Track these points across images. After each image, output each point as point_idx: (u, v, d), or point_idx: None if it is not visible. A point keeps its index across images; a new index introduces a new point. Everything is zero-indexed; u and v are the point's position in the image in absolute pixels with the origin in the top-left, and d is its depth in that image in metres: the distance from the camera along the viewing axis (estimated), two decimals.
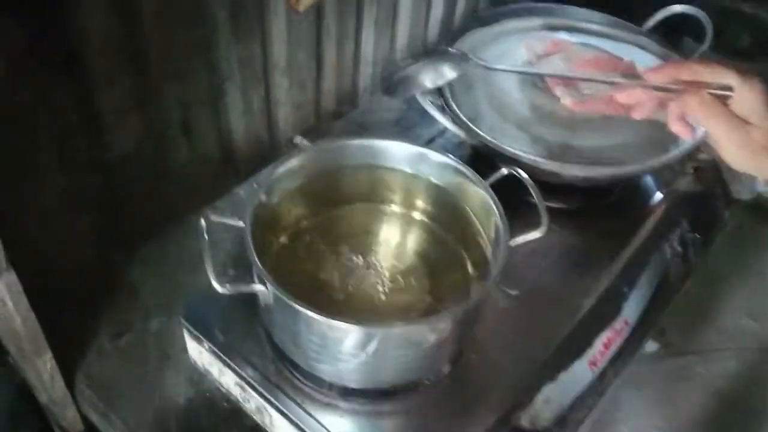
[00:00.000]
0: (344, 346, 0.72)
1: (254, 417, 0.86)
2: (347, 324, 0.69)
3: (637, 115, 0.82)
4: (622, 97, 0.82)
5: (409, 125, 1.22)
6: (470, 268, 0.86)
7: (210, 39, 0.97)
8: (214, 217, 0.76)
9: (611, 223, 1.06)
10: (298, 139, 0.89)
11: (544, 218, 0.79)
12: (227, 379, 0.86)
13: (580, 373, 0.92)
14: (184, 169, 1.04)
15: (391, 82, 0.87)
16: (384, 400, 0.82)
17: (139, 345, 0.92)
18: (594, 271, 0.99)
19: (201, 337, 0.85)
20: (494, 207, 0.79)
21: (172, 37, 0.91)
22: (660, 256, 1.05)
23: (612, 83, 0.85)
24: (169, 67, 0.93)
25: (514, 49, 1.08)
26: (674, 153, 0.97)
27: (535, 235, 0.78)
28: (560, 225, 0.98)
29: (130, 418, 0.87)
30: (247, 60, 1.04)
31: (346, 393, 0.81)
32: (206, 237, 0.74)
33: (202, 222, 0.75)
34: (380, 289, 0.86)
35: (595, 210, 1.07)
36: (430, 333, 0.72)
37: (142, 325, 0.95)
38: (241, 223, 0.76)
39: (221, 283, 0.71)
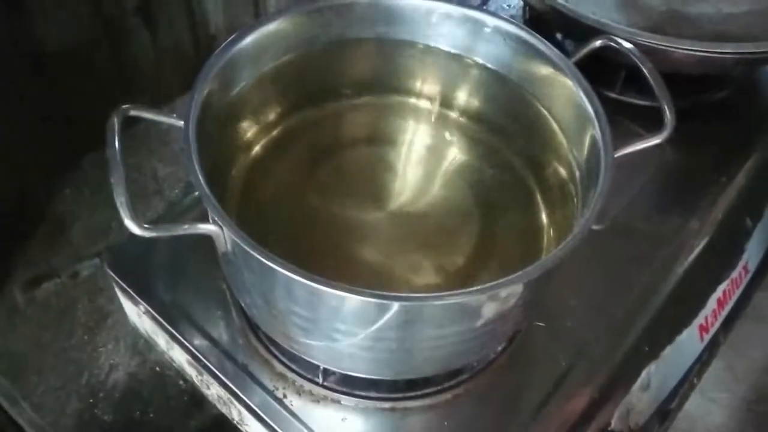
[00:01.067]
0: (347, 325, 0.45)
1: (219, 406, 0.59)
2: (352, 293, 0.40)
3: None
4: None
5: None
6: (542, 198, 0.56)
7: None
8: (135, 112, 0.47)
9: (723, 131, 0.76)
10: None
11: (669, 113, 0.50)
12: (177, 355, 0.59)
13: (689, 343, 0.64)
14: (145, 67, 0.85)
15: None
16: (406, 393, 0.54)
17: (64, 297, 0.69)
18: (704, 196, 0.70)
19: (134, 295, 0.57)
20: (588, 101, 0.50)
21: None
22: None
23: None
24: None
25: None
26: None
27: (654, 140, 0.49)
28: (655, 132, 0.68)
29: (45, 403, 0.62)
30: None
31: (350, 383, 0.54)
32: (117, 144, 0.44)
33: (114, 120, 0.46)
34: (401, 232, 0.57)
35: (701, 112, 0.76)
36: (486, 307, 0.44)
37: (68, 269, 0.71)
38: (179, 122, 0.47)
39: (138, 222, 0.42)
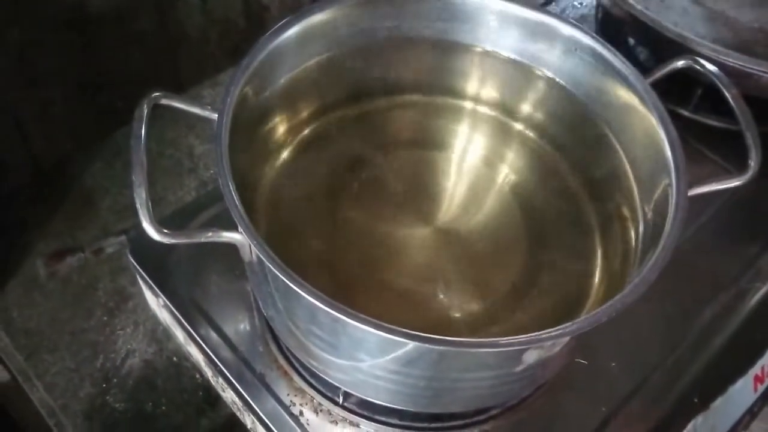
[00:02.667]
0: (370, 357, 0.41)
1: (233, 409, 0.56)
2: (376, 329, 0.36)
3: None
4: None
5: None
6: (599, 234, 0.51)
7: None
8: (165, 101, 0.43)
9: None
10: None
11: (755, 151, 0.44)
12: (194, 351, 0.56)
13: (742, 394, 0.59)
14: (191, 35, 0.80)
15: None
16: (430, 424, 0.51)
17: (86, 274, 0.66)
18: None
19: (154, 286, 0.54)
20: (663, 130, 0.44)
21: None
22: None
23: None
24: None
25: None
26: None
27: (734, 182, 0.44)
28: (730, 160, 0.63)
29: (58, 384, 0.60)
30: None
31: (371, 407, 0.51)
32: (143, 133, 0.41)
33: (144, 107, 0.42)
34: (442, 253, 0.52)
35: None
36: (525, 355, 0.39)
37: (93, 245, 0.66)
38: (213, 115, 0.43)
39: (156, 227, 0.39)
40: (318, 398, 0.51)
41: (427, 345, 0.36)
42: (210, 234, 0.41)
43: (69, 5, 0.68)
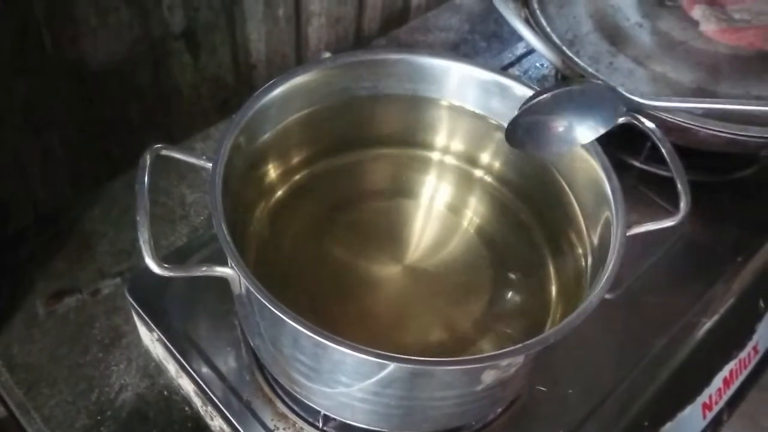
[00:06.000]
0: (347, 378, 0.46)
1: None
2: (352, 350, 0.41)
3: None
4: None
5: (472, 51, 0.95)
6: (555, 268, 0.57)
7: None
8: (166, 152, 0.49)
9: (746, 209, 0.76)
10: (326, 56, 0.60)
11: (685, 196, 0.51)
12: (185, 383, 0.60)
13: (691, 420, 0.64)
14: (184, 91, 0.86)
15: (516, 129, 0.54)
16: None
17: (83, 313, 0.70)
18: (719, 274, 0.70)
19: (150, 322, 0.59)
20: (606, 179, 0.51)
21: None
22: None
23: None
24: None
25: None
26: None
27: (667, 222, 0.50)
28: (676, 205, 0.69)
29: (55, 416, 0.63)
30: None
31: (349, 431, 0.55)
32: (146, 180, 0.47)
33: (147, 158, 0.48)
34: (414, 287, 0.58)
35: (726, 188, 0.76)
36: (485, 374, 0.44)
37: (90, 286, 0.72)
38: (207, 165, 0.49)
39: (158, 262, 0.44)
40: (300, 423, 0.55)
41: (397, 365, 0.42)
42: (204, 269, 0.47)
43: (74, 60, 0.73)
